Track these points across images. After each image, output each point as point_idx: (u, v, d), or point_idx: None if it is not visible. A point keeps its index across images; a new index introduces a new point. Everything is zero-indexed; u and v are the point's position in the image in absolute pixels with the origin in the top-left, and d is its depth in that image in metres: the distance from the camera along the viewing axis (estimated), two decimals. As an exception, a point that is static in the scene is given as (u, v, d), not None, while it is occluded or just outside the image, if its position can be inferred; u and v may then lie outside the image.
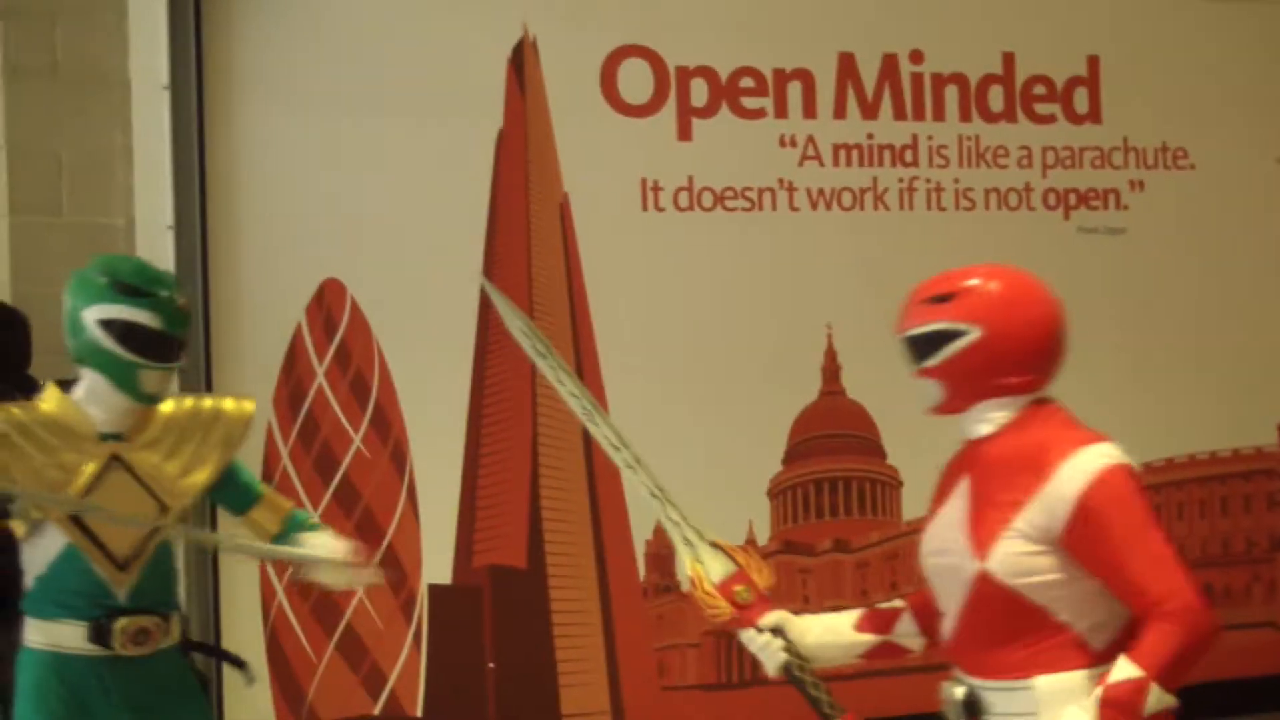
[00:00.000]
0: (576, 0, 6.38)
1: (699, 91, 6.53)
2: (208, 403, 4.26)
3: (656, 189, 6.47)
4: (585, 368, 6.35)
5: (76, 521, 3.94)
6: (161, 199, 5.81)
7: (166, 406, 4.14)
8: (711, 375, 6.45)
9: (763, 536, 6.55)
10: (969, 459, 3.20)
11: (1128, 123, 7.10)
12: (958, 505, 3.17)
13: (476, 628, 6.24)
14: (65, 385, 4.08)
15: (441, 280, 6.15)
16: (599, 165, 6.39)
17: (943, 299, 3.16)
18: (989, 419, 3.16)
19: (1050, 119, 7.01)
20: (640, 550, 6.41)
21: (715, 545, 3.59)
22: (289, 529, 4.30)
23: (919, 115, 6.82)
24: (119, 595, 3.99)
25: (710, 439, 6.41)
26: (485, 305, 6.22)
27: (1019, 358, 3.12)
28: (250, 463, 5.83)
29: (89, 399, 4.00)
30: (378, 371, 6.11)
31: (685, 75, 6.52)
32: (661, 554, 6.39)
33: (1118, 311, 6.89)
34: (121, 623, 3.98)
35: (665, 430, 6.34)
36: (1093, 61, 7.06)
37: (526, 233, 6.31)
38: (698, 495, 6.23)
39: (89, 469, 3.97)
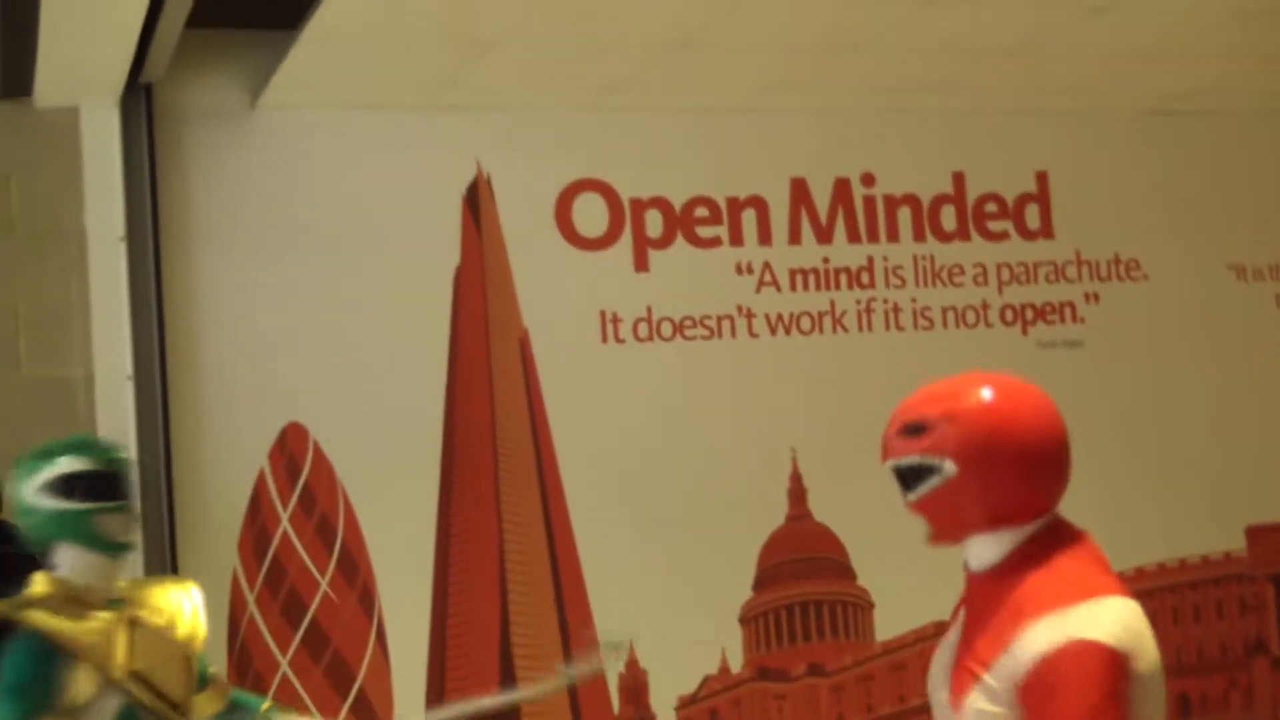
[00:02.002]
0: (529, 137, 6.43)
1: (654, 222, 6.58)
2: (168, 590, 4.25)
3: (615, 320, 6.49)
4: (551, 501, 6.33)
5: (136, 677, 3.94)
6: (120, 349, 5.80)
7: (136, 538, 4.15)
8: (678, 503, 6.44)
9: (736, 664, 6.50)
10: (969, 590, 2.95)
11: (1080, 236, 7.16)
12: (953, 641, 2.93)
13: (451, 770, 6.16)
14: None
15: (404, 419, 6.15)
16: (557, 299, 6.42)
17: (917, 430, 2.89)
18: (982, 555, 2.89)
19: (1003, 235, 7.07)
20: (614, 683, 6.35)
21: None
22: (235, 708, 4.28)
23: (873, 237, 6.88)
24: None
25: (679, 567, 6.39)
26: (449, 442, 6.22)
27: (1004, 491, 2.84)
28: (216, 610, 5.83)
29: (74, 572, 3.98)
30: (343, 513, 6.08)
31: (639, 207, 6.57)
32: (635, 686, 6.33)
33: (1080, 424, 6.79)
34: None
35: (634, 560, 6.34)
36: (1042, 178, 7.14)
37: (488, 368, 6.31)
38: (670, 624, 6.29)
39: (121, 636, 3.96)
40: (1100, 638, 2.66)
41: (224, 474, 5.94)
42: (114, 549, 4.01)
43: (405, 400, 6.17)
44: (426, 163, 6.29)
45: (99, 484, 3.96)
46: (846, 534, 6.68)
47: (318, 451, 6.07)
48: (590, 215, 6.50)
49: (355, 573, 6.07)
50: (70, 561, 3.99)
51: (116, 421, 5.74)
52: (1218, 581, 7.22)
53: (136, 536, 4.15)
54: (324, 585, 6.03)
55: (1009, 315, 7.03)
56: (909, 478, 2.92)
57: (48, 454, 4.01)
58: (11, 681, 3.85)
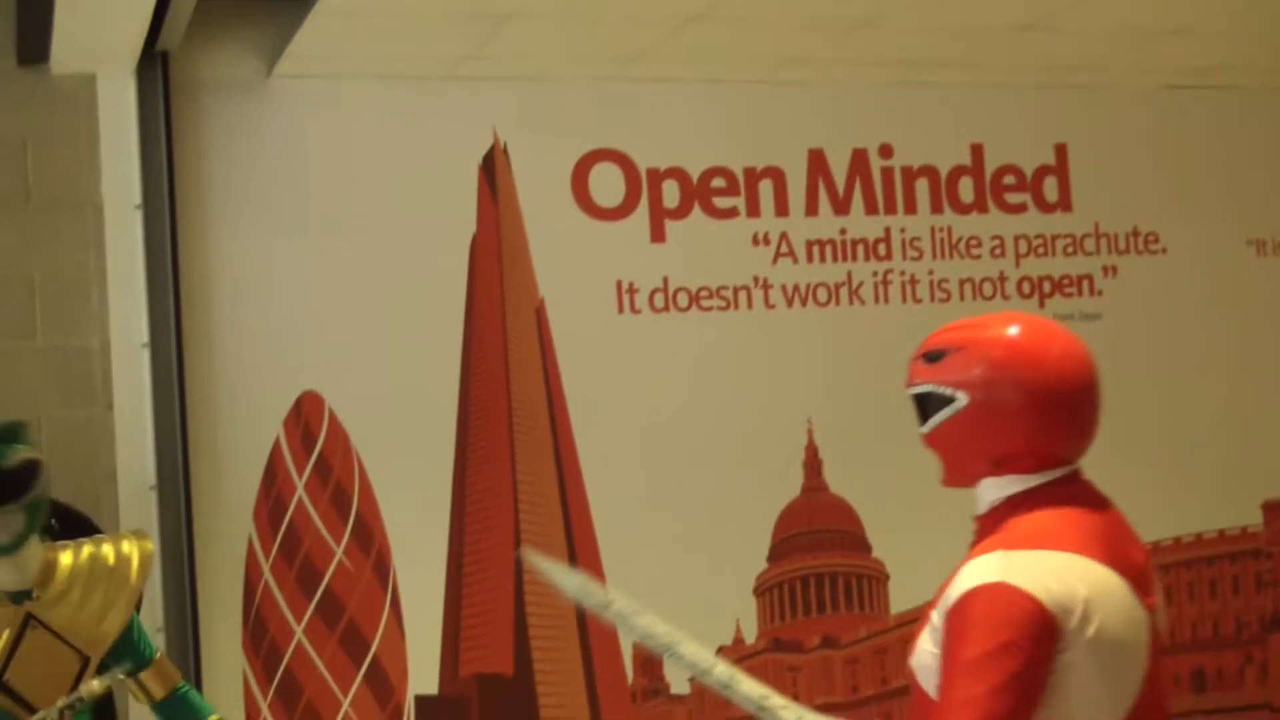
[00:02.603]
0: (547, 106, 6.42)
1: (671, 193, 6.56)
2: (106, 546, 4.20)
3: (632, 291, 6.48)
4: (566, 471, 6.33)
5: (2, 687, 3.91)
6: (136, 319, 5.80)
7: (66, 557, 4.07)
8: (693, 475, 6.43)
9: (750, 635, 6.51)
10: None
11: (1098, 209, 7.13)
12: None
13: (465, 738, 6.18)
14: None
15: (419, 388, 6.15)
16: (573, 269, 6.40)
17: (935, 357, 2.80)
18: (984, 499, 2.78)
19: (1021, 208, 7.05)
20: (628, 653, 6.36)
21: None
22: (174, 701, 4.25)
23: (890, 209, 6.86)
24: None
25: (694, 539, 6.38)
26: (464, 411, 6.22)
27: (1013, 430, 2.71)
28: (231, 579, 5.87)
29: None
30: (358, 482, 6.09)
31: (656, 177, 6.55)
32: (649, 657, 6.34)
33: (1097, 397, 6.89)
34: None
35: (648, 532, 6.34)
36: (1060, 150, 7.11)
37: (503, 338, 6.31)
38: (684, 595, 6.29)
39: (5, 634, 3.92)
40: (1024, 585, 2.53)
41: (239, 443, 5.95)
42: None
43: (420, 369, 6.16)
44: (443, 132, 6.27)
45: None
46: (862, 506, 6.66)
47: (333, 420, 6.08)
48: (607, 185, 6.48)
49: (370, 541, 6.08)
50: None
51: (133, 391, 5.75)
52: (1234, 557, 7.20)
53: (21, 531, 3.94)
54: (339, 554, 6.04)
55: (1026, 287, 7.01)
56: (920, 408, 2.84)
57: None
58: None
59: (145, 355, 5.79)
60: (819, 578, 6.64)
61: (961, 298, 6.89)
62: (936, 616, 2.65)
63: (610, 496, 6.36)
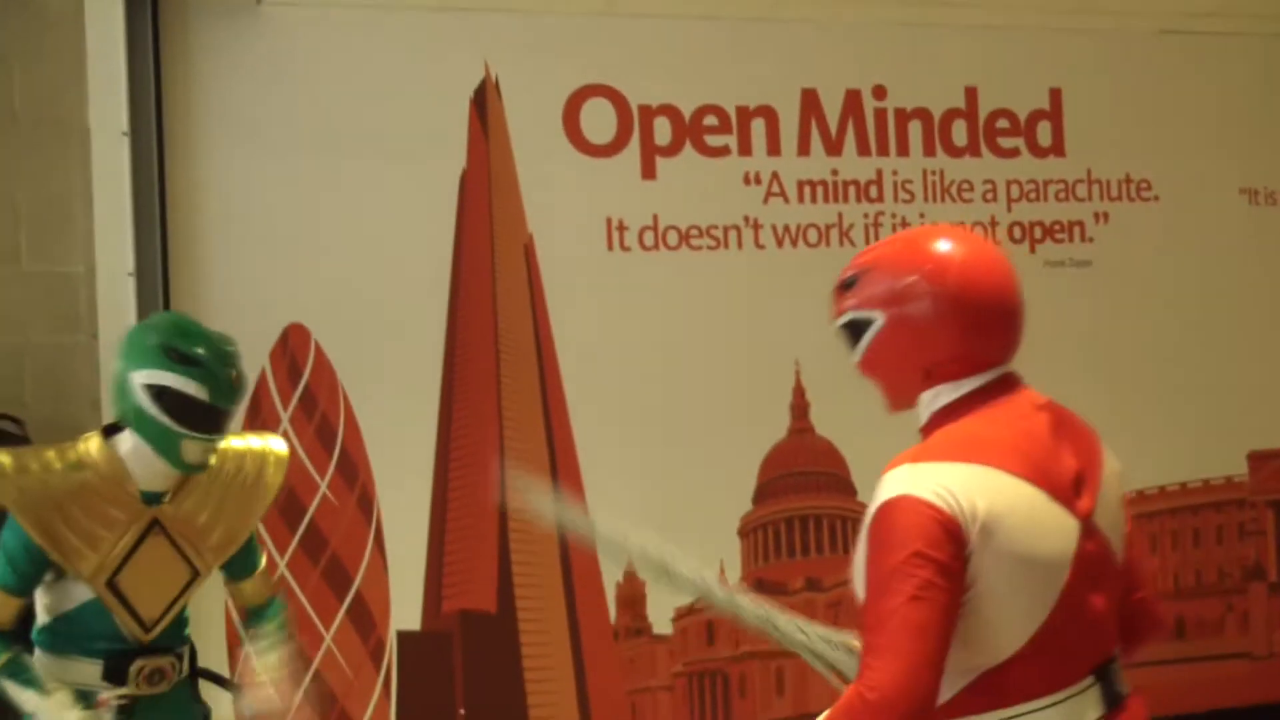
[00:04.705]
0: (538, 40, 6.36)
1: (662, 130, 6.52)
2: (250, 461, 4.14)
3: (621, 228, 6.45)
4: (552, 408, 6.31)
5: (110, 585, 3.88)
6: (122, 245, 5.75)
7: (212, 458, 3.98)
8: (679, 414, 6.42)
9: (734, 576, 6.51)
10: None
11: (1091, 155, 7.11)
12: None
13: (447, 674, 6.18)
14: (108, 431, 3.98)
15: (407, 323, 6.12)
16: (563, 205, 6.37)
17: (850, 283, 2.83)
18: (922, 415, 2.79)
19: (1014, 153, 7.02)
20: (611, 593, 6.36)
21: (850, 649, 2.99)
22: (260, 617, 4.28)
23: (883, 151, 6.82)
24: (139, 642, 3.96)
25: (679, 478, 6.38)
26: (451, 348, 6.19)
27: (935, 340, 2.71)
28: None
29: (132, 458, 3.89)
30: (343, 416, 6.07)
31: (648, 114, 6.50)
32: (632, 596, 6.34)
33: (1086, 344, 6.89)
34: (138, 664, 3.94)
35: (634, 470, 6.33)
36: (1055, 95, 7.08)
37: (491, 274, 6.27)
38: (668, 535, 6.28)
39: (130, 535, 3.89)
40: (926, 496, 2.55)
41: (224, 374, 5.91)
42: (185, 468, 3.91)
43: (408, 303, 6.13)
44: (434, 63, 6.22)
45: (202, 415, 3.80)
46: (848, 449, 6.66)
47: (319, 353, 6.05)
48: (598, 121, 6.44)
49: (354, 476, 6.07)
50: (135, 448, 3.88)
51: (117, 318, 5.69)
52: (1218, 506, 7.21)
53: (212, 457, 3.97)
54: (323, 487, 6.03)
55: (1017, 233, 6.99)
56: (847, 339, 2.85)
57: (168, 350, 3.79)
58: (7, 547, 3.85)
59: (130, 283, 5.74)
60: (804, 520, 6.64)
61: (953, 242, 6.85)
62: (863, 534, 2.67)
63: (596, 436, 6.34)
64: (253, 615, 4.33)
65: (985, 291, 2.74)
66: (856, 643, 2.90)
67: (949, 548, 2.53)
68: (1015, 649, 2.62)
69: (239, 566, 4.24)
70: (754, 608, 3.01)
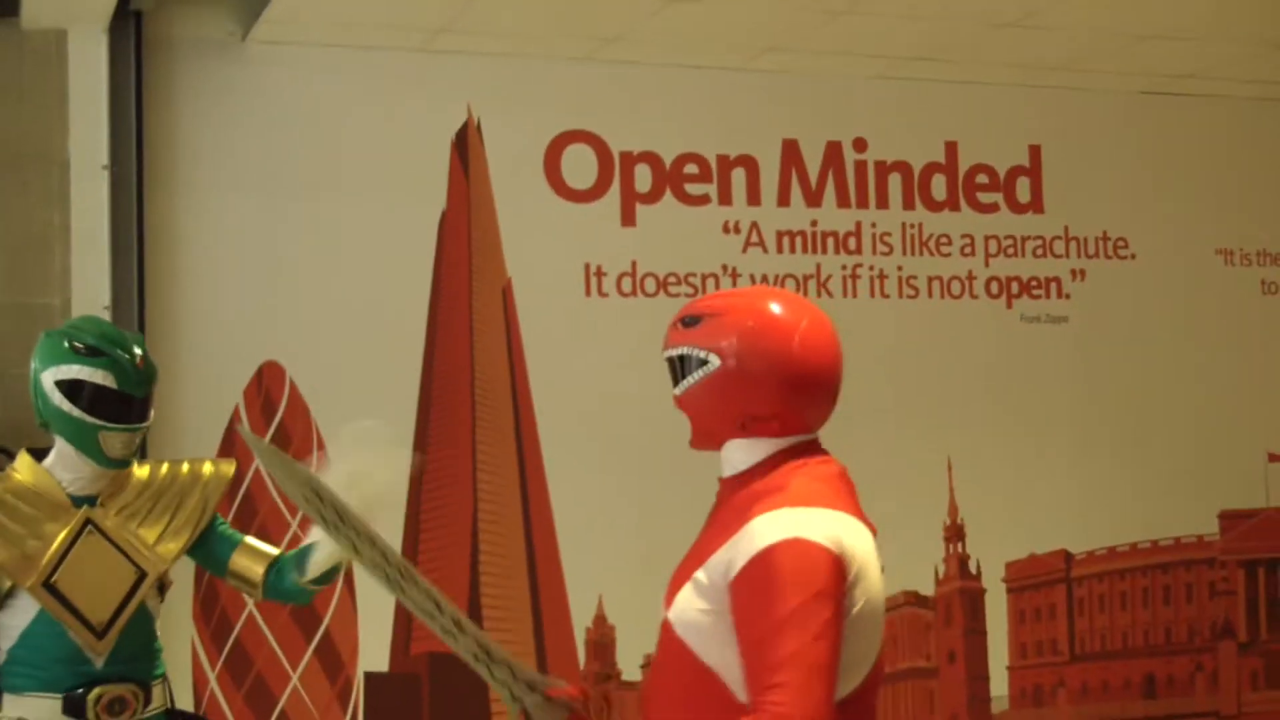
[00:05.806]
0: (521, 85, 6.39)
1: (643, 177, 6.54)
2: (186, 467, 4.16)
3: (600, 274, 6.46)
4: (526, 452, 6.30)
5: (49, 588, 3.86)
6: (99, 279, 5.74)
7: (143, 470, 4.05)
8: (652, 461, 6.40)
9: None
10: (717, 499, 2.95)
11: (1069, 212, 7.15)
12: (687, 553, 2.89)
13: (415, 716, 6.15)
14: (38, 454, 3.97)
15: (383, 363, 6.12)
16: (542, 249, 6.38)
17: (693, 321, 2.90)
18: (733, 460, 2.89)
19: (993, 208, 7.05)
20: (581, 638, 6.34)
21: (549, 698, 3.05)
22: (279, 569, 4.19)
23: (863, 203, 6.85)
24: (96, 663, 3.89)
25: (652, 524, 6.35)
26: (427, 388, 6.19)
27: (762, 395, 2.80)
28: (184, 547, 5.80)
29: (58, 463, 3.91)
30: (316, 455, 6.03)
31: (629, 161, 6.53)
32: (602, 642, 6.32)
33: (1060, 399, 6.92)
34: (96, 692, 3.88)
35: (607, 515, 6.33)
36: (1034, 151, 7.12)
37: (469, 316, 6.28)
38: (642, 581, 6.26)
39: (62, 536, 3.87)
40: (821, 540, 2.63)
41: (199, 410, 5.90)
42: (110, 464, 3.91)
43: (384, 343, 6.13)
44: (417, 105, 6.24)
45: (114, 403, 3.84)
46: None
47: (294, 391, 6.04)
48: (579, 166, 6.46)
49: (326, 515, 6.03)
50: (60, 451, 3.90)
51: (92, 351, 5.69)
52: (1189, 565, 7.22)
53: (136, 449, 4.00)
54: (294, 526, 6.00)
55: (994, 287, 7.01)
56: (675, 372, 2.94)
57: (74, 345, 3.85)
58: None
59: (107, 317, 5.73)
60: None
61: (929, 295, 6.89)
62: (705, 576, 2.72)
63: (570, 479, 6.34)
64: (274, 569, 4.18)
65: (820, 363, 2.85)
66: (559, 688, 3.04)
67: (841, 589, 2.64)
68: (847, 692, 2.70)
69: (214, 555, 4.17)
70: (475, 631, 3.12)
